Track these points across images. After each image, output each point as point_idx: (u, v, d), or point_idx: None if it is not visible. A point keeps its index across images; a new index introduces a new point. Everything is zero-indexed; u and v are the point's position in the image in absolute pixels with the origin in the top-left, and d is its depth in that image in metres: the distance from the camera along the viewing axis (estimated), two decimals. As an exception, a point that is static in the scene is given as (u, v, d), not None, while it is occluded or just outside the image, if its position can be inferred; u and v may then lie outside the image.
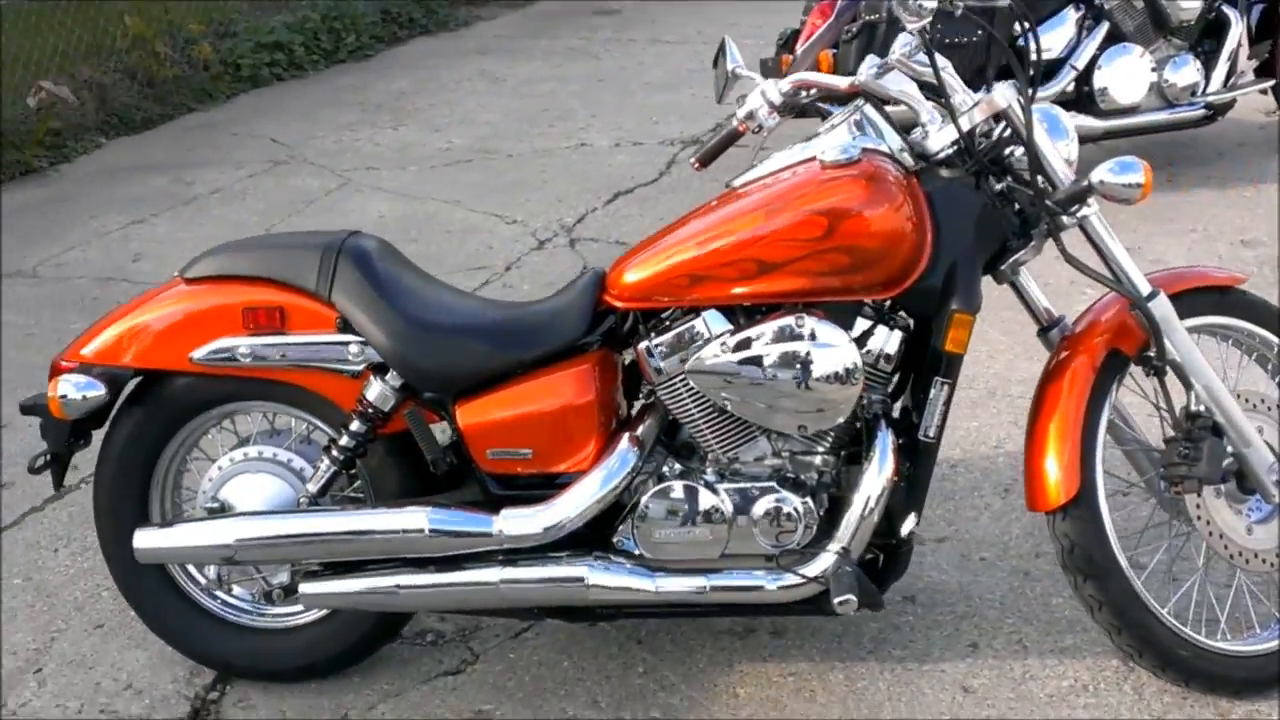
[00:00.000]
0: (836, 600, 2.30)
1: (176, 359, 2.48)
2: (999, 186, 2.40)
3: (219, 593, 2.67)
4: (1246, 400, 2.48)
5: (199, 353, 2.46)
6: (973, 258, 2.37)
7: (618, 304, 2.41)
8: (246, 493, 2.56)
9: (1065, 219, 2.37)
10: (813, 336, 2.28)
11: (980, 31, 4.78)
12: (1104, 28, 5.00)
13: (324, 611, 2.64)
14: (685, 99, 7.11)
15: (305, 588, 2.50)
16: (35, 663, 2.82)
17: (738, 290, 2.32)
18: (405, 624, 2.73)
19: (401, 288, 2.47)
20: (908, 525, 2.43)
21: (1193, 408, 2.42)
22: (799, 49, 5.04)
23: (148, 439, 2.59)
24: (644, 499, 2.39)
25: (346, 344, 2.45)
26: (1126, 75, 4.97)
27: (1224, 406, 2.41)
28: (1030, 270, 2.49)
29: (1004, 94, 2.35)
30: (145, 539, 2.52)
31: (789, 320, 2.30)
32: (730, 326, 2.35)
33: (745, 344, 2.31)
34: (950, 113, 2.34)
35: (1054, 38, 4.96)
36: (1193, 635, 2.45)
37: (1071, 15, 5.01)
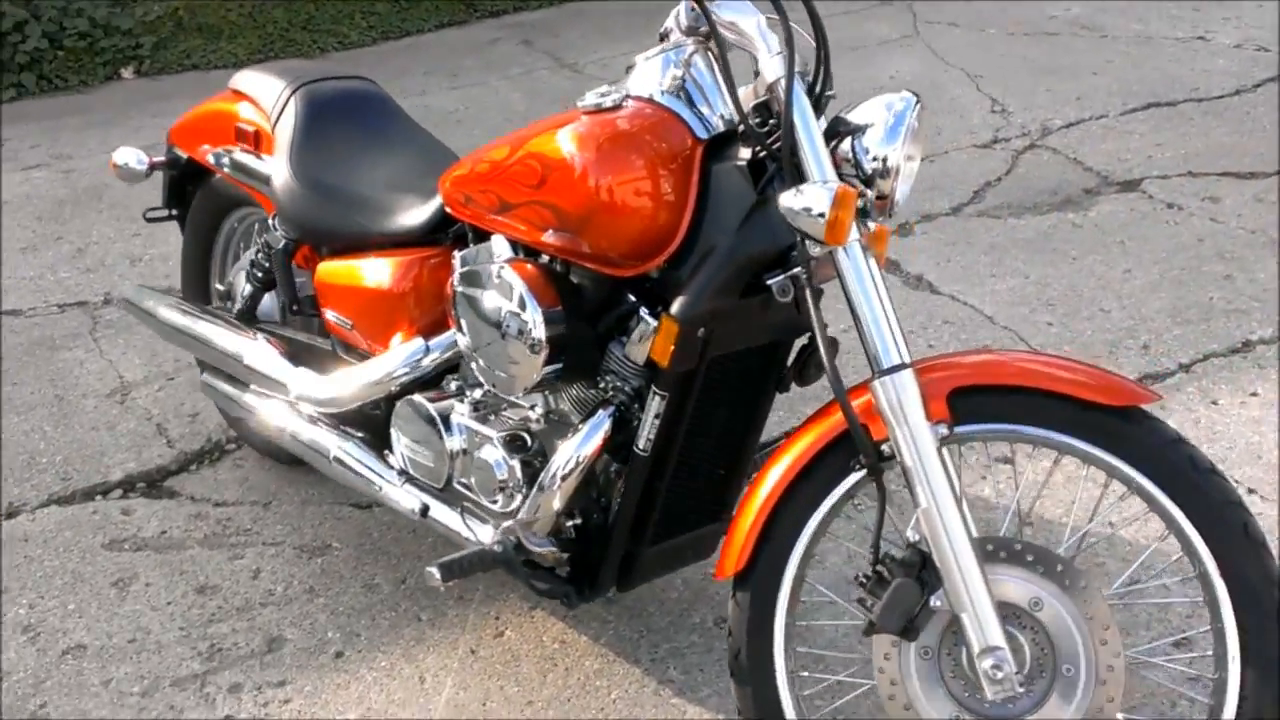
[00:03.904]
0: (427, 569, 2.12)
1: (200, 154, 2.86)
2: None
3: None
4: (1031, 556, 1.76)
5: (207, 153, 2.82)
6: (723, 258, 1.91)
7: (447, 209, 2.32)
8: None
9: (813, 245, 1.81)
10: (508, 294, 2.04)
11: None
12: None
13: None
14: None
15: (204, 378, 2.86)
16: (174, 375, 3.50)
17: (496, 220, 2.12)
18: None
19: (314, 138, 2.58)
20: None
21: (908, 533, 1.79)
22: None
23: (203, 226, 3.05)
24: (399, 405, 2.35)
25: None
26: None
27: (941, 544, 1.73)
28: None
29: (773, 67, 1.82)
30: (127, 290, 3.01)
31: (493, 269, 2.07)
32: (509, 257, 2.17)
33: (470, 280, 2.13)
34: (727, 84, 1.89)
35: None
36: None
37: None
